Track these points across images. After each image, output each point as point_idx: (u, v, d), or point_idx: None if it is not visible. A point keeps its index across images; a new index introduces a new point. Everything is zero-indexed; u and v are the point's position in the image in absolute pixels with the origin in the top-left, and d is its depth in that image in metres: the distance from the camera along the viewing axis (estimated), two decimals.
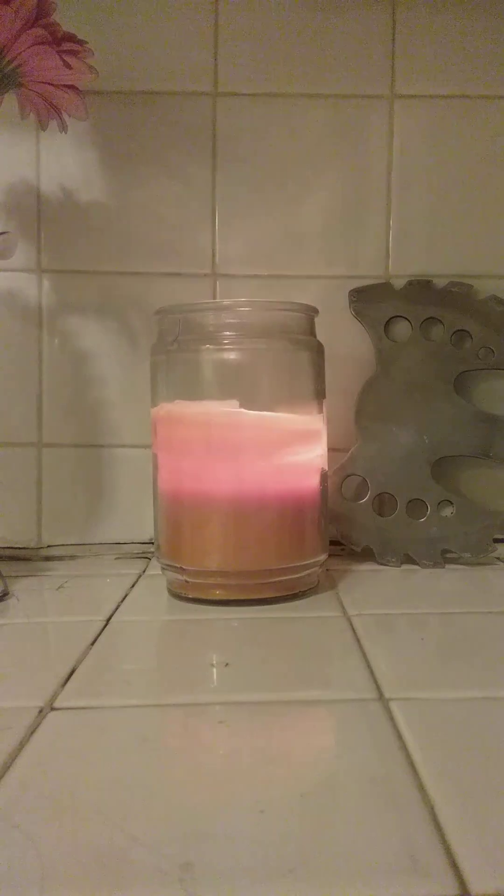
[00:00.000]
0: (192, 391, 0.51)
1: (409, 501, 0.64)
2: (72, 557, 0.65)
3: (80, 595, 0.54)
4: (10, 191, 0.65)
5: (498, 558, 0.63)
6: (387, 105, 0.66)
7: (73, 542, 0.67)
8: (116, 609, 0.50)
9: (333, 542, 0.59)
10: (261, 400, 0.51)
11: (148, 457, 0.57)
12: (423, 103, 0.67)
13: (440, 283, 0.66)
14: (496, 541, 0.63)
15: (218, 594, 0.51)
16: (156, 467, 0.53)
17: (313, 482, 0.53)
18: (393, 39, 0.66)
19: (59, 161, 0.65)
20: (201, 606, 0.51)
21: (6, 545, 0.66)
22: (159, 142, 0.66)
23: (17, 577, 0.58)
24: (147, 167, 0.66)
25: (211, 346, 0.51)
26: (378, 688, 0.36)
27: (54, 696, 0.36)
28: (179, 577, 0.52)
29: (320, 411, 0.54)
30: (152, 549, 0.61)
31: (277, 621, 0.47)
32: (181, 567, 0.51)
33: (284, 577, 0.51)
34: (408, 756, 0.30)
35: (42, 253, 0.66)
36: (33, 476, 0.67)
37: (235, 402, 0.50)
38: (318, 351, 0.54)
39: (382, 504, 0.65)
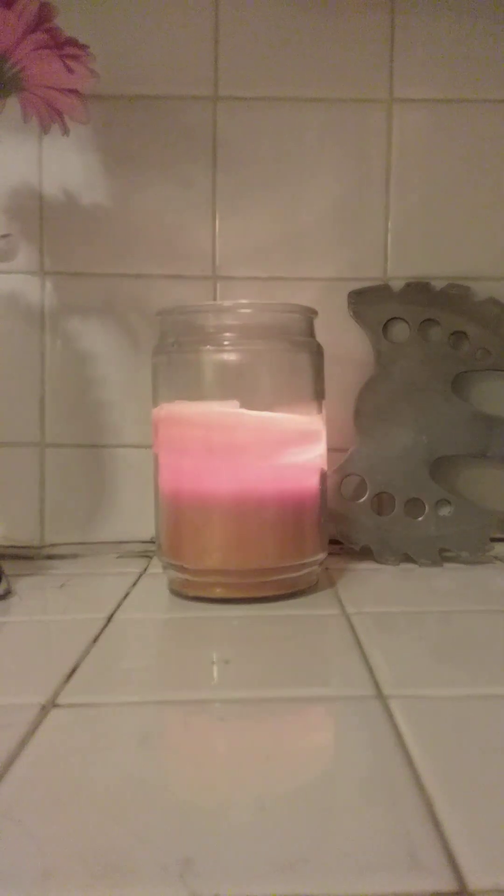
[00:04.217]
0: (193, 392, 0.52)
1: (408, 501, 0.64)
2: (74, 556, 0.65)
3: (82, 593, 0.54)
4: (13, 193, 0.65)
5: (495, 557, 0.63)
6: (385, 108, 0.67)
7: (75, 541, 0.67)
8: (118, 607, 0.50)
9: (332, 541, 0.59)
10: (261, 400, 0.51)
11: (149, 457, 0.58)
12: (422, 107, 0.67)
13: (438, 284, 0.66)
14: (493, 540, 0.64)
15: (218, 592, 0.51)
16: (157, 467, 0.54)
17: (313, 482, 0.53)
18: (391, 43, 0.66)
19: (61, 164, 0.66)
20: (202, 604, 0.51)
21: (9, 544, 0.66)
22: (160, 145, 0.66)
23: (19, 575, 0.58)
24: (148, 170, 0.66)
25: (211, 348, 0.51)
26: (377, 685, 0.37)
27: (56, 693, 0.36)
28: (180, 575, 0.52)
29: (320, 412, 0.54)
30: (153, 548, 0.61)
31: (277, 619, 0.48)
32: (182, 565, 0.52)
33: (284, 576, 0.51)
34: (406, 753, 0.30)
35: (44, 255, 0.66)
36: (36, 475, 0.67)
37: (236, 403, 0.50)
38: (318, 352, 0.54)
39: (381, 503, 0.65)
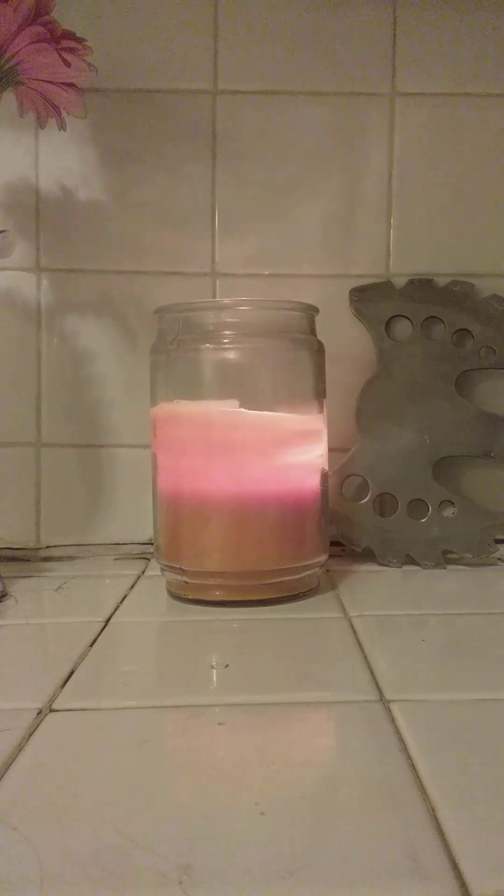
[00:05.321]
0: (192, 391, 0.51)
1: (410, 502, 0.63)
2: (71, 558, 0.65)
3: (79, 596, 0.54)
4: (9, 189, 0.65)
5: (499, 559, 0.63)
6: (387, 102, 0.66)
7: (71, 543, 0.67)
8: (115, 610, 0.50)
9: (334, 543, 0.59)
10: (261, 399, 0.50)
11: (147, 457, 0.57)
12: (424, 101, 0.66)
13: (441, 281, 0.66)
14: (497, 541, 0.63)
15: (218, 595, 0.51)
16: (155, 467, 0.53)
17: (313, 482, 0.52)
18: (394, 37, 0.66)
19: (58, 159, 0.65)
20: (201, 607, 0.50)
21: (5, 545, 0.66)
22: (159, 140, 0.66)
23: (15, 577, 0.58)
24: (146, 165, 0.66)
25: (211, 346, 0.51)
26: (379, 689, 0.36)
27: (53, 698, 0.36)
28: (179, 577, 0.52)
29: (321, 411, 0.54)
30: (151, 550, 0.61)
31: (278, 622, 0.47)
32: (181, 568, 0.51)
33: (285, 578, 0.51)
34: (408, 758, 0.30)
35: (41, 251, 0.66)
36: (32, 476, 0.66)
37: (235, 402, 0.50)
38: (319, 350, 0.54)
39: (383, 504, 0.65)
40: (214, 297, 0.67)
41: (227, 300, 0.57)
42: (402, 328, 0.66)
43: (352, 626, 0.46)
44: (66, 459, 0.67)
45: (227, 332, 0.51)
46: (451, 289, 0.66)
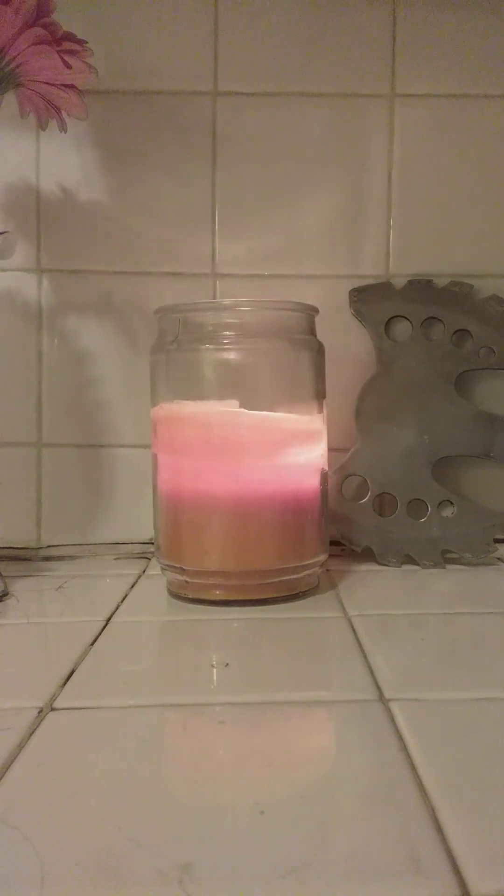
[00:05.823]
0: (192, 391, 0.51)
1: (410, 501, 0.63)
2: (71, 557, 0.65)
3: (79, 595, 0.54)
4: (10, 190, 0.65)
5: (499, 559, 0.63)
6: (387, 104, 0.66)
7: (72, 542, 0.67)
8: (116, 609, 0.50)
9: (334, 543, 0.59)
10: (261, 400, 0.50)
11: (148, 457, 0.57)
12: (424, 102, 0.66)
13: (441, 282, 0.66)
14: (497, 541, 0.63)
15: (218, 594, 0.51)
16: (155, 467, 0.53)
17: (313, 482, 0.53)
18: (393, 38, 0.66)
19: (59, 160, 0.65)
20: (201, 607, 0.50)
21: (6, 545, 0.66)
22: (159, 141, 0.66)
23: (16, 577, 0.58)
24: (147, 166, 0.66)
25: (211, 346, 0.51)
26: (378, 688, 0.36)
27: (54, 697, 0.36)
28: (179, 577, 0.52)
29: (320, 411, 0.54)
30: (152, 549, 0.61)
31: (277, 622, 0.47)
32: (181, 567, 0.51)
33: (284, 578, 0.51)
34: (408, 757, 0.30)
35: (41, 252, 0.66)
36: (33, 476, 0.66)
37: (235, 402, 0.50)
38: (319, 351, 0.54)
39: (383, 504, 0.65)
40: (214, 297, 0.67)
41: (227, 300, 0.57)
42: (402, 329, 0.66)
43: (352, 626, 0.46)
44: (67, 459, 0.67)
45: (227, 333, 0.51)
46: (451, 289, 0.66)
